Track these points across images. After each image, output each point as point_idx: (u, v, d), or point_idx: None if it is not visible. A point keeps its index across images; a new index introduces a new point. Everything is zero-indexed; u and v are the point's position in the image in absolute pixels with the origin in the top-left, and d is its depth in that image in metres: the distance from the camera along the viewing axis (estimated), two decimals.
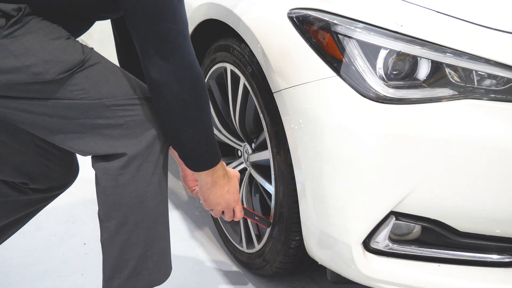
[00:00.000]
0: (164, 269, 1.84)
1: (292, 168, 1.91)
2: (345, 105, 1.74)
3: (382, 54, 1.73)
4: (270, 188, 2.08)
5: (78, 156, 2.01)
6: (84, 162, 3.11)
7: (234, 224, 2.38)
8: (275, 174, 2.02)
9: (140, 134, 1.70)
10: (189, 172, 1.96)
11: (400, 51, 1.72)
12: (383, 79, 1.73)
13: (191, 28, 2.34)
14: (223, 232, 2.43)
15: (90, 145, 1.74)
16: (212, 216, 2.50)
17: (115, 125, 1.69)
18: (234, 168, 2.34)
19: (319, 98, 1.77)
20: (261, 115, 2.03)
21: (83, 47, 1.68)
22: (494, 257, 1.78)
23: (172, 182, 2.96)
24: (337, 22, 1.78)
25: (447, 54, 1.69)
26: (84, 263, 2.41)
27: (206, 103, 1.71)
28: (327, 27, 1.79)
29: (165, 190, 1.81)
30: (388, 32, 1.73)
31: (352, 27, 1.77)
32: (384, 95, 1.71)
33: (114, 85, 1.69)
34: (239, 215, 1.95)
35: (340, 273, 1.87)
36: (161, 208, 1.79)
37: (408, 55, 1.72)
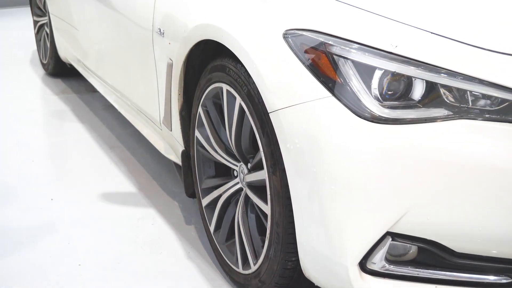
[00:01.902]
0: None
1: (288, 188, 1.90)
2: (340, 125, 1.74)
3: (377, 74, 1.73)
4: (266, 208, 2.08)
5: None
6: (78, 181, 3.12)
7: (230, 245, 2.37)
8: (271, 194, 2.02)
9: None
10: None
11: (395, 71, 1.72)
12: (378, 99, 1.73)
13: (187, 48, 2.34)
14: (219, 253, 2.42)
15: None
16: (208, 236, 2.49)
17: None
18: (230, 188, 2.34)
19: (315, 118, 1.78)
20: (257, 135, 2.03)
21: None
22: (491, 278, 1.77)
23: (167, 202, 2.95)
24: (332, 43, 1.79)
25: (442, 74, 1.69)
26: (79, 284, 2.40)
27: None
28: (322, 47, 1.80)
29: None
30: (383, 52, 1.74)
31: (347, 48, 1.77)
32: (379, 115, 1.71)
33: None
34: None
35: None
36: None
37: (402, 75, 1.72)
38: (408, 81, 1.72)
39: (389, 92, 1.74)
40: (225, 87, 2.20)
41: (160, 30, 2.55)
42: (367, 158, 1.70)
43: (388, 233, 1.75)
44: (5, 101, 4.34)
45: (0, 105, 4.28)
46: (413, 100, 1.72)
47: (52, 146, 3.67)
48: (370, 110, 1.72)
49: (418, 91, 1.72)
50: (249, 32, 2.02)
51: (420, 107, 1.71)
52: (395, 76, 1.73)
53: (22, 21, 6.54)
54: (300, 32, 1.87)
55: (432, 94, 1.71)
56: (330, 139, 1.74)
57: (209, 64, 2.31)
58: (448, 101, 1.69)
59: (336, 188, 1.76)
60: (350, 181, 1.72)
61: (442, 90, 1.70)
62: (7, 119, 4.01)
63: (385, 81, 1.73)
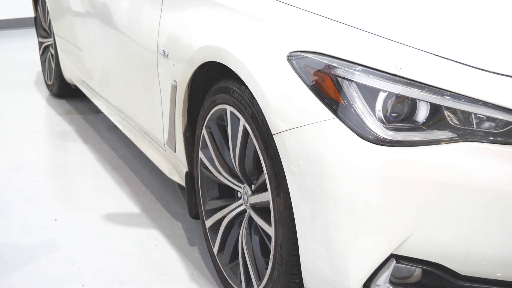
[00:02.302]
0: None
1: (292, 210, 1.90)
2: (344, 147, 1.74)
3: (381, 96, 1.74)
4: (270, 230, 2.07)
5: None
6: (82, 201, 3.12)
7: (233, 266, 2.37)
8: (274, 216, 2.01)
9: None
10: None
11: (399, 93, 1.72)
12: (382, 122, 1.73)
13: (192, 69, 2.35)
14: (222, 274, 2.41)
15: None
16: (211, 258, 2.49)
17: None
18: (233, 209, 2.33)
19: (319, 140, 1.78)
20: (261, 157, 2.03)
21: None
22: None
23: (171, 223, 2.95)
24: (336, 65, 1.80)
25: (446, 97, 1.70)
26: None
27: None
28: (326, 69, 1.80)
29: None
30: (387, 75, 1.74)
31: (351, 70, 1.78)
32: (383, 137, 1.71)
33: None
34: None
35: None
36: None
37: (407, 97, 1.72)
38: (412, 103, 1.73)
39: (393, 114, 1.74)
40: (229, 108, 2.20)
41: (165, 51, 2.56)
42: (371, 180, 1.70)
43: (392, 256, 1.75)
44: (10, 121, 4.36)
45: (5, 125, 4.29)
46: (417, 122, 1.72)
47: (56, 166, 3.67)
48: (374, 132, 1.72)
49: (422, 113, 1.72)
50: (254, 54, 2.03)
51: (424, 129, 1.71)
52: (399, 98, 1.73)
53: (27, 42, 6.57)
54: (304, 54, 1.87)
55: (437, 116, 1.71)
56: (334, 161, 1.74)
57: (213, 85, 2.32)
58: (452, 124, 1.70)
59: (340, 210, 1.75)
60: (354, 203, 1.72)
61: (446, 113, 1.70)
62: (12, 139, 4.02)
63: (389, 103, 1.74)
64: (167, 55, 2.55)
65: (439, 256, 1.73)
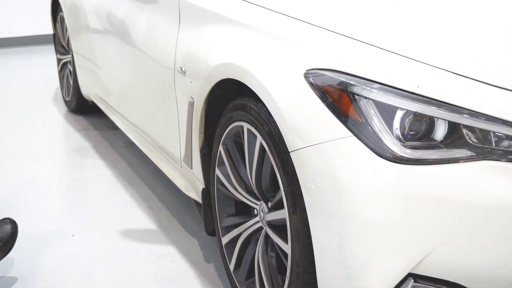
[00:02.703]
0: None
1: (309, 227, 1.89)
2: (361, 165, 1.73)
3: (399, 114, 1.73)
4: (286, 247, 2.06)
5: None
6: (99, 217, 3.13)
7: (249, 283, 2.36)
8: (291, 233, 2.01)
9: None
10: None
11: (416, 111, 1.72)
12: (400, 140, 1.73)
13: (209, 87, 2.36)
14: None
15: None
16: (227, 275, 2.48)
17: None
18: (250, 226, 2.33)
19: (336, 158, 1.77)
20: (277, 174, 2.03)
21: None
22: None
23: (187, 239, 2.95)
24: (353, 83, 1.79)
25: (464, 115, 1.69)
26: None
27: None
28: (343, 87, 1.80)
29: None
30: (404, 92, 1.74)
31: (368, 88, 1.77)
32: (401, 156, 1.71)
33: None
34: None
35: None
36: None
37: (424, 115, 1.72)
38: (430, 121, 1.72)
39: (411, 132, 1.73)
40: (246, 125, 2.20)
41: (182, 68, 2.57)
42: (389, 198, 1.70)
43: (410, 275, 1.73)
44: (28, 137, 4.38)
45: (23, 141, 4.32)
46: (435, 140, 1.72)
47: (73, 182, 3.69)
48: (392, 150, 1.71)
49: (440, 132, 1.72)
50: (271, 71, 2.03)
51: (442, 148, 1.70)
52: (417, 116, 1.72)
53: (46, 59, 6.62)
54: (321, 72, 1.87)
55: (455, 134, 1.70)
56: (351, 178, 1.74)
57: (230, 103, 2.32)
58: (471, 142, 1.69)
59: (357, 228, 1.74)
60: (372, 221, 1.71)
61: (464, 131, 1.69)
62: (30, 155, 4.04)
63: (407, 121, 1.73)
64: (184, 72, 2.56)
65: (457, 275, 1.71)
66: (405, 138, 1.73)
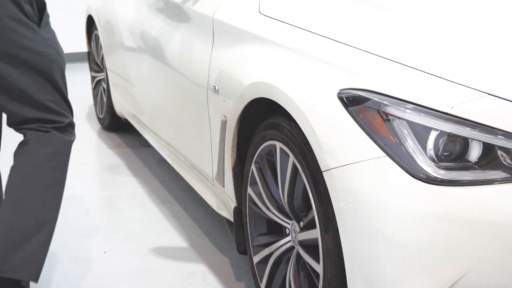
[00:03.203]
0: None
1: (341, 248, 1.89)
2: (394, 186, 1.73)
3: (433, 135, 1.72)
4: (318, 267, 2.06)
5: None
6: (131, 234, 3.14)
7: None
8: (323, 253, 2.00)
9: None
10: None
11: (451, 132, 1.71)
12: (433, 160, 1.72)
13: (242, 105, 2.37)
14: None
15: None
16: None
17: None
18: (281, 246, 2.32)
19: (369, 178, 1.77)
20: (310, 194, 2.03)
21: None
22: None
23: (218, 257, 2.95)
24: (387, 103, 1.79)
25: (499, 136, 1.67)
26: None
27: None
28: (377, 107, 1.80)
29: None
30: (438, 113, 1.73)
31: (402, 108, 1.77)
32: (435, 176, 1.70)
33: None
34: None
35: None
36: None
37: (459, 136, 1.71)
38: (465, 142, 1.71)
39: (445, 153, 1.72)
40: (278, 145, 2.21)
41: (215, 87, 2.59)
42: (422, 219, 1.68)
43: None
44: None
45: None
46: (470, 161, 1.70)
47: (106, 199, 3.72)
48: (425, 171, 1.70)
49: (474, 153, 1.70)
50: (304, 90, 2.03)
51: (476, 169, 1.69)
52: (451, 137, 1.71)
53: (80, 76, 6.69)
54: (354, 92, 1.87)
55: (489, 156, 1.69)
56: (384, 199, 1.73)
57: (263, 121, 2.33)
58: (506, 163, 1.67)
59: (390, 249, 1.73)
60: (405, 243, 1.70)
61: (499, 152, 1.68)
62: None
63: (441, 142, 1.72)
64: (217, 90, 2.57)
65: None
66: (439, 159, 1.72)
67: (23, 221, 2.30)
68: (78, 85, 6.34)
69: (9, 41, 2.26)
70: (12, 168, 2.36)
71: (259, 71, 2.30)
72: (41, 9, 2.37)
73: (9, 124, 2.42)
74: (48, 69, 2.39)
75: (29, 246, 2.29)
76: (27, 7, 2.29)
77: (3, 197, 2.35)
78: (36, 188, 2.36)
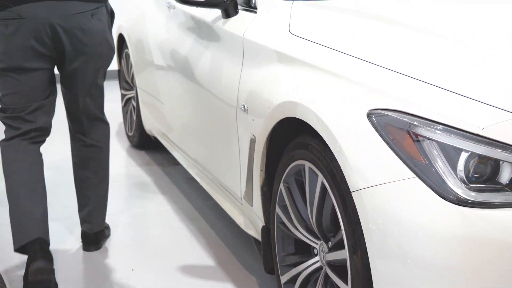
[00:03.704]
0: None
1: (369, 268, 1.88)
2: (424, 207, 1.72)
3: (463, 156, 1.72)
4: None
5: None
6: (159, 252, 3.14)
7: None
8: (351, 274, 1.99)
9: None
10: None
11: (481, 154, 1.70)
12: (464, 182, 1.71)
13: (271, 125, 2.37)
14: None
15: None
16: None
17: None
18: (309, 266, 2.32)
19: (398, 199, 1.76)
20: (338, 214, 2.02)
21: None
22: None
23: (245, 277, 2.95)
24: (417, 124, 1.79)
25: None
26: None
27: None
28: (407, 128, 1.79)
29: None
30: (469, 134, 1.72)
31: (432, 129, 1.76)
32: (465, 198, 1.68)
33: None
34: None
35: None
36: None
37: (489, 158, 1.70)
38: (495, 164, 1.70)
39: (475, 175, 1.71)
40: (307, 164, 2.21)
41: (244, 106, 2.60)
42: (452, 241, 1.67)
43: None
44: None
45: None
46: (501, 183, 1.69)
47: (134, 216, 3.74)
48: (456, 193, 1.69)
49: (505, 175, 1.69)
50: (333, 110, 2.04)
51: (507, 191, 1.67)
52: (482, 158, 1.70)
53: (110, 94, 6.74)
54: (384, 112, 1.87)
55: None
56: (413, 220, 1.72)
57: (292, 141, 2.33)
58: None
59: (419, 271, 1.72)
60: (434, 265, 1.69)
61: None
62: None
63: (471, 164, 1.71)
64: (247, 110, 2.58)
65: None
66: (469, 181, 1.71)
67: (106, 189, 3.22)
68: (108, 102, 6.37)
69: (106, 45, 2.90)
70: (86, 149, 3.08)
71: (288, 91, 2.31)
72: (113, 18, 3.02)
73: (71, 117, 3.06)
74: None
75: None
76: (109, 17, 2.95)
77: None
78: (106, 162, 3.19)
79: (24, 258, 2.77)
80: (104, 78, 3.06)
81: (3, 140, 2.86)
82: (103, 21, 2.84)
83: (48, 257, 2.71)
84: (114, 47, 2.96)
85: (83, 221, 3.20)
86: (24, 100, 2.80)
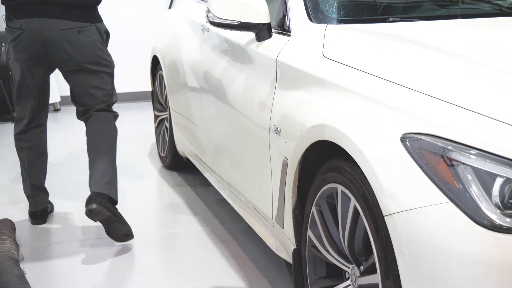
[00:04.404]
0: None
1: None
2: (458, 233, 1.70)
3: (498, 182, 1.70)
4: None
5: None
6: (189, 273, 3.13)
7: None
8: None
9: None
10: None
11: None
12: (499, 207, 1.69)
13: (303, 147, 2.37)
14: None
15: None
16: None
17: None
18: None
19: (432, 224, 1.75)
20: (371, 238, 2.01)
21: None
22: None
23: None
24: (451, 148, 1.77)
25: None
26: None
27: None
28: (441, 152, 1.78)
29: None
30: (504, 159, 1.70)
31: (467, 154, 1.75)
32: (500, 224, 1.67)
33: None
34: None
35: None
36: None
37: None
38: None
39: (511, 201, 1.69)
40: (340, 188, 2.20)
41: (277, 129, 2.60)
42: (487, 267, 1.65)
43: None
44: (125, 191, 4.48)
45: (121, 195, 4.43)
46: None
47: (165, 237, 3.75)
48: (490, 218, 1.68)
49: None
50: (366, 134, 2.03)
51: None
52: None
53: (143, 115, 6.82)
54: (418, 136, 1.86)
55: None
56: (447, 246, 1.70)
57: (324, 164, 2.33)
58: None
59: None
60: None
61: None
62: (126, 209, 4.13)
63: (507, 189, 1.69)
64: (279, 132, 2.58)
65: None
66: (504, 206, 1.69)
67: (114, 160, 3.62)
68: (142, 123, 6.46)
69: (94, 55, 3.55)
70: (95, 132, 3.64)
71: (321, 114, 2.31)
72: (108, 37, 3.67)
73: (79, 114, 3.71)
74: (111, 69, 3.68)
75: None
76: (103, 35, 3.62)
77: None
78: (114, 140, 3.68)
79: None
80: (109, 84, 3.66)
81: None
82: (91, 37, 3.51)
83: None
84: (107, 59, 3.63)
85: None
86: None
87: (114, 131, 3.69)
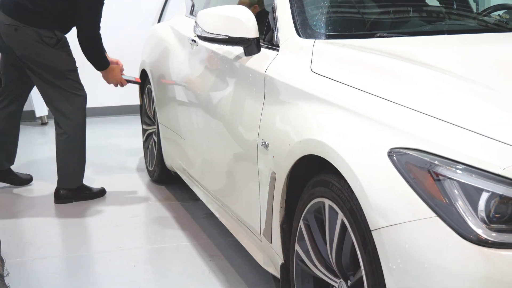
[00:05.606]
0: None
1: None
2: (445, 247, 1.71)
3: (484, 196, 1.71)
4: None
5: None
6: (183, 287, 3.12)
7: None
8: None
9: None
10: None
11: (502, 194, 1.69)
12: (484, 222, 1.70)
13: (291, 162, 2.38)
14: None
15: None
16: None
17: None
18: None
19: (419, 238, 1.75)
20: (358, 253, 2.01)
21: None
22: None
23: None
24: (437, 163, 1.79)
25: None
26: None
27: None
28: (427, 167, 1.79)
29: None
30: (490, 174, 1.71)
31: (453, 168, 1.76)
32: (486, 238, 1.68)
33: None
34: (123, 82, 4.59)
35: None
36: None
37: (510, 198, 1.69)
38: None
39: (497, 215, 1.70)
40: (327, 202, 2.21)
41: (265, 143, 2.61)
42: (473, 282, 1.66)
43: None
44: (110, 206, 4.48)
45: (107, 209, 4.42)
46: None
47: (152, 252, 3.74)
48: (476, 233, 1.69)
49: None
50: (354, 148, 2.04)
51: None
52: (503, 199, 1.69)
53: (131, 129, 6.82)
54: (405, 151, 1.87)
55: None
56: (434, 260, 1.71)
57: (312, 178, 2.34)
58: None
59: None
60: None
61: None
62: (113, 224, 4.13)
63: (492, 204, 1.70)
64: (267, 146, 2.59)
65: None
66: (490, 221, 1.70)
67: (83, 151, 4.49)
68: (129, 137, 6.45)
69: (30, 51, 4.27)
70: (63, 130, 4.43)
71: (309, 128, 2.32)
72: (59, 39, 4.32)
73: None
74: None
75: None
76: (45, 39, 4.28)
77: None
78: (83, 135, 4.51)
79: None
80: (59, 81, 4.34)
81: None
82: (29, 35, 4.20)
83: None
84: (48, 57, 4.28)
85: None
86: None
87: None
